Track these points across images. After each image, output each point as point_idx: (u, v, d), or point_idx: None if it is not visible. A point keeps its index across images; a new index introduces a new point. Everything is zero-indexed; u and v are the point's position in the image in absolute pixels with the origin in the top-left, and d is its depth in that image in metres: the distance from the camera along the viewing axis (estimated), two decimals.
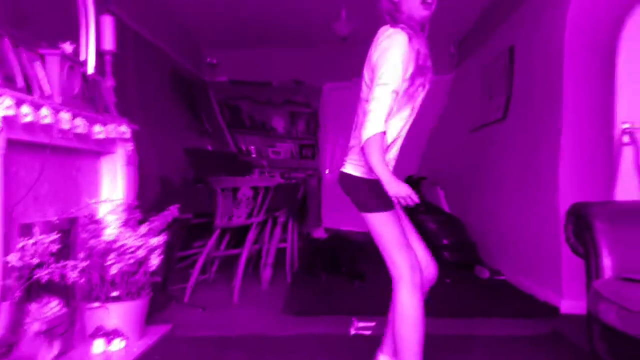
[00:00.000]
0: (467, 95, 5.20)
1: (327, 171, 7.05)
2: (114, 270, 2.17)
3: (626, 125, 2.72)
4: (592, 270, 2.12)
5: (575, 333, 2.50)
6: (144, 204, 2.54)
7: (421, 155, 6.22)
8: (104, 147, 2.50)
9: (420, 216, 4.69)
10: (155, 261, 2.32)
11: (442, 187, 5.40)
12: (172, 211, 2.47)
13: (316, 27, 5.26)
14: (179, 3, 4.83)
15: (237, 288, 3.30)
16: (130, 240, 2.25)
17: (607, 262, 2.06)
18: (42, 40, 2.16)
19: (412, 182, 5.47)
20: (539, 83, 3.52)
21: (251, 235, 3.47)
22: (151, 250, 2.32)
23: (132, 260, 2.24)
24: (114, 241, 2.24)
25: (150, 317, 2.54)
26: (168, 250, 2.58)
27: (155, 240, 2.33)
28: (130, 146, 2.63)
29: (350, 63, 5.73)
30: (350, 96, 6.25)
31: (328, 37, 4.95)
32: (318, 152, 7.11)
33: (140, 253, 2.26)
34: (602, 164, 2.85)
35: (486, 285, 3.91)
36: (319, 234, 6.09)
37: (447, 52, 5.88)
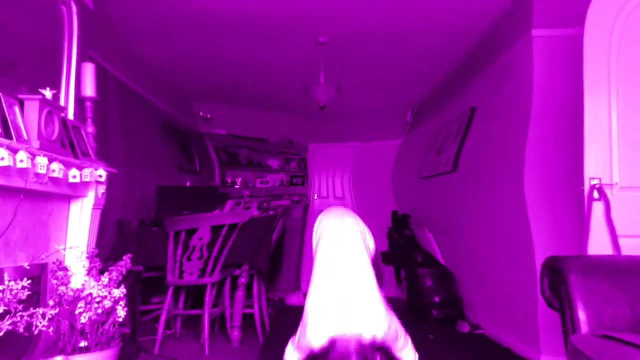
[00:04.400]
0: (414, 152, 5.96)
1: (315, 196, 7.62)
2: (83, 319, 2.08)
3: (595, 182, 2.82)
4: (567, 324, 2.13)
5: None
6: (102, 252, 2.48)
7: (394, 195, 6.99)
8: (76, 191, 2.47)
9: (419, 270, 4.59)
10: (122, 312, 2.26)
11: (430, 229, 5.25)
12: (126, 262, 2.41)
13: (299, 98, 5.71)
14: (164, 61, 4.93)
15: (206, 343, 3.13)
16: (95, 289, 2.19)
17: (582, 316, 2.07)
18: (23, 86, 2.17)
19: (398, 218, 5.55)
20: (500, 139, 3.66)
21: (208, 299, 3.10)
22: (116, 301, 2.26)
23: (100, 310, 2.17)
24: (81, 290, 2.17)
25: None
26: (130, 302, 2.50)
27: (118, 292, 2.26)
28: (103, 189, 2.60)
29: (328, 130, 7.40)
30: (329, 153, 7.53)
31: (310, 106, 5.45)
32: (307, 181, 7.84)
33: (107, 303, 2.20)
34: (574, 216, 2.92)
35: (466, 340, 3.88)
36: (295, 300, 5.07)
37: (403, 120, 7.03)
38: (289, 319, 3.57)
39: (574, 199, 2.99)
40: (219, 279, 3.16)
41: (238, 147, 7.23)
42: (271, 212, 4.35)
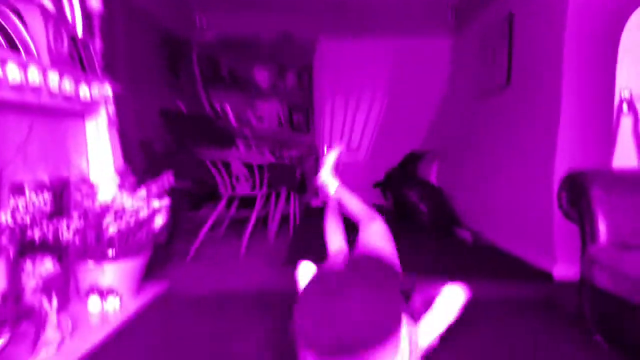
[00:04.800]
0: (468, 61, 5.11)
1: (325, 148, 6.26)
2: (111, 230, 2.16)
3: (626, 94, 2.69)
4: (586, 235, 2.13)
5: (567, 299, 2.52)
6: (132, 169, 2.52)
7: (428, 128, 5.90)
8: (89, 109, 2.45)
9: (405, 190, 5.01)
10: (159, 222, 2.34)
11: (440, 160, 5.43)
12: (168, 178, 2.45)
13: None
14: None
15: (245, 240, 3.54)
16: (129, 202, 2.23)
17: (602, 228, 2.07)
18: None
19: (414, 157, 5.51)
20: (539, 50, 3.47)
21: (258, 204, 3.73)
22: (154, 212, 2.32)
23: (132, 221, 2.23)
24: (111, 203, 2.22)
25: (151, 274, 2.57)
26: (173, 213, 2.57)
27: (158, 203, 2.32)
28: (112, 107, 2.59)
29: (347, 19, 5.52)
30: (349, 51, 5.75)
31: None
32: (313, 120, 6.03)
33: (143, 214, 2.26)
34: (601, 131, 2.83)
35: (471, 249, 3.93)
36: (317, 203, 6.06)
37: (444, 16, 5.67)
38: (312, 215, 4.95)
39: (603, 114, 2.88)
40: (265, 192, 3.81)
41: (221, 53, 5.92)
42: (287, 161, 4.74)
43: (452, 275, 3.01)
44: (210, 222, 3.53)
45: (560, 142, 3.05)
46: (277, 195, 4.13)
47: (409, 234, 4.31)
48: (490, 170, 4.18)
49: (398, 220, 4.93)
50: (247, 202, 3.90)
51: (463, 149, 4.98)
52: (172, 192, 2.51)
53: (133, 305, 2.24)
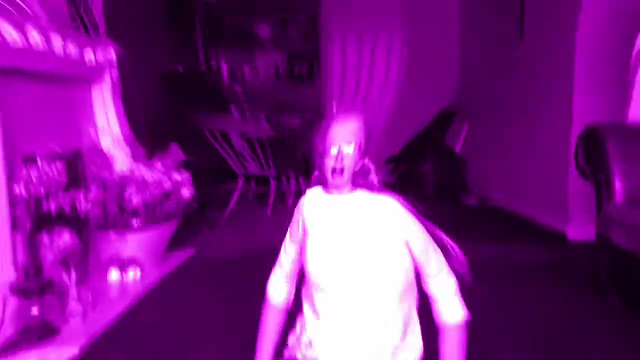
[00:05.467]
0: (480, 13, 4.77)
1: (334, 103, 5.28)
2: (134, 200, 2.14)
3: None
4: (602, 194, 2.12)
5: (583, 259, 2.53)
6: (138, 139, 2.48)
7: (454, 85, 5.22)
8: (94, 75, 2.38)
9: (420, 163, 4.70)
10: (186, 193, 2.33)
11: (471, 120, 4.81)
12: (176, 150, 2.42)
13: None
14: None
15: (269, 207, 3.83)
16: (149, 174, 2.21)
17: (618, 185, 2.05)
18: None
19: (445, 116, 4.92)
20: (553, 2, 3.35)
21: (272, 185, 3.99)
22: (179, 183, 2.31)
23: (157, 192, 2.22)
24: (130, 174, 2.19)
25: (181, 241, 2.60)
26: (199, 185, 2.55)
27: (178, 176, 2.30)
28: (115, 74, 2.51)
29: None
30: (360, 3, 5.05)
31: None
32: (319, 70, 5.05)
33: (167, 186, 2.25)
34: (618, 86, 2.76)
35: (478, 213, 3.93)
36: None
37: None
38: None
39: (619, 68, 2.81)
40: (276, 174, 3.99)
41: (223, 10, 5.54)
42: (286, 134, 4.49)
43: (458, 238, 3.02)
44: (236, 196, 3.83)
45: (577, 98, 2.99)
46: (287, 178, 4.17)
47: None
48: (506, 130, 4.07)
49: (401, 190, 4.74)
50: (266, 180, 4.07)
51: (484, 109, 4.65)
52: (193, 167, 2.49)
53: (155, 274, 2.25)
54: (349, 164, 1.05)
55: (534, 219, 3.45)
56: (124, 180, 2.16)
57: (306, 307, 1.14)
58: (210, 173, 3.93)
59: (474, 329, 1.60)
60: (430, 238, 1.14)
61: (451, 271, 1.14)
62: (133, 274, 2.15)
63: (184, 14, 5.33)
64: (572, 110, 3.01)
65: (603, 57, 2.96)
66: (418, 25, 5.15)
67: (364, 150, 1.10)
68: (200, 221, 3.30)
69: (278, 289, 1.21)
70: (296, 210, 1.17)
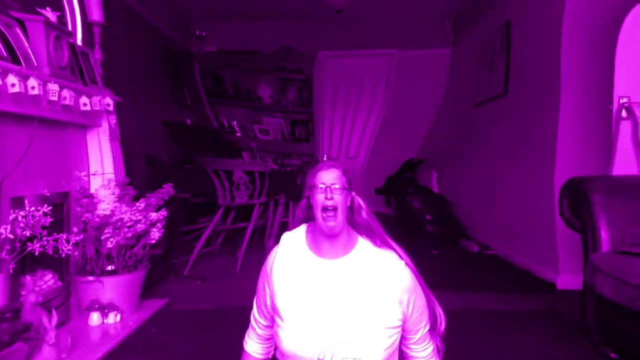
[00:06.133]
0: (467, 70, 5.13)
1: (325, 158, 6.31)
2: (110, 244, 2.15)
3: (624, 100, 2.70)
4: (589, 243, 2.13)
5: (571, 309, 2.51)
6: (134, 182, 2.50)
7: (424, 137, 6.00)
8: (90, 120, 2.45)
9: (408, 197, 5.01)
10: (156, 235, 2.33)
11: (438, 169, 5.46)
12: (168, 189, 2.44)
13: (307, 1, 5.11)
14: None
15: (241, 256, 3.47)
16: (127, 215, 2.23)
17: (604, 235, 2.06)
18: (14, 1, 2.05)
19: (411, 165, 5.55)
20: (537, 58, 3.49)
21: (255, 213, 3.69)
22: (152, 224, 2.31)
23: (130, 234, 2.22)
24: (110, 215, 2.21)
25: (148, 290, 2.55)
26: (170, 225, 2.57)
27: (155, 215, 2.32)
28: (113, 119, 2.58)
29: (346, 35, 5.61)
30: (349, 66, 5.88)
31: (321, 11, 4.89)
32: (313, 132, 6.22)
33: (140, 227, 2.25)
34: (600, 138, 2.83)
35: (476, 259, 3.93)
36: None
37: (442, 27, 5.78)
38: None
39: (600, 119, 2.89)
40: (265, 200, 3.80)
41: (224, 66, 6.05)
42: (288, 168, 4.97)
43: (458, 286, 3.04)
44: (205, 236, 3.48)
45: (560, 150, 3.06)
46: (276, 203, 4.06)
47: (415, 242, 4.19)
48: (492, 180, 4.18)
49: (402, 227, 4.91)
50: (244, 214, 3.84)
51: (461, 158, 4.97)
52: (171, 203, 2.49)
53: (133, 320, 2.22)
54: (339, 200, 1.09)
55: (528, 268, 3.43)
56: (103, 222, 2.17)
57: None
58: (190, 208, 3.75)
59: None
60: (425, 302, 1.15)
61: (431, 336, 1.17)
62: (113, 317, 2.12)
63: (181, 65, 5.53)
64: (555, 163, 3.07)
65: (585, 115, 3.05)
66: (407, 79, 5.83)
67: (349, 187, 1.15)
68: (166, 268, 3.19)
69: (254, 348, 1.23)
70: (262, 275, 1.18)
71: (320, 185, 1.11)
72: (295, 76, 6.04)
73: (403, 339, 1.14)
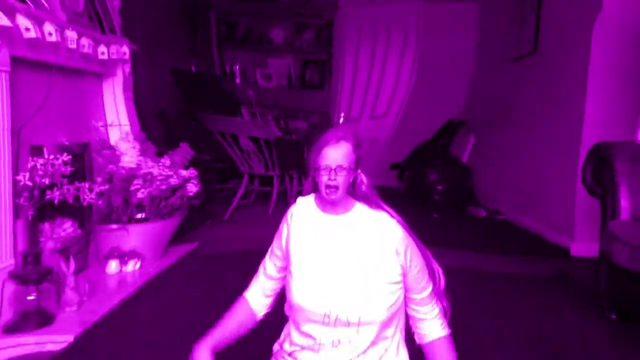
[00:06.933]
0: (498, 26, 4.74)
1: (342, 116, 5.42)
2: (141, 194, 2.18)
3: None
4: (608, 211, 2.09)
5: (584, 275, 2.49)
6: (151, 139, 2.52)
7: (465, 97, 5.27)
8: (107, 69, 2.43)
9: (426, 169, 4.63)
10: (193, 189, 2.37)
11: (477, 134, 4.86)
12: (186, 149, 2.45)
13: None
14: None
15: (272, 205, 3.86)
16: (156, 169, 2.24)
17: (624, 203, 2.02)
18: None
19: (451, 127, 4.97)
20: (568, 14, 3.32)
21: (275, 183, 4.00)
22: (186, 180, 2.35)
23: (164, 187, 2.26)
24: (137, 169, 2.23)
25: (180, 236, 2.63)
26: (205, 183, 2.60)
27: (186, 172, 2.34)
28: (128, 68, 2.56)
29: None
30: (372, 13, 5.19)
31: None
32: (330, 76, 5.16)
33: (173, 181, 2.29)
34: (631, 101, 2.73)
35: (483, 223, 3.88)
36: None
37: None
38: None
39: (632, 85, 2.77)
40: (280, 172, 4.01)
41: (239, 13, 5.60)
42: (293, 137, 4.50)
43: (464, 247, 3.03)
44: (240, 192, 3.87)
45: (588, 114, 2.96)
46: (290, 177, 4.17)
47: (418, 210, 4.05)
48: (516, 145, 4.04)
49: (409, 199, 4.59)
50: (267, 180, 4.11)
51: (493, 121, 4.63)
52: (201, 165, 2.53)
53: (155, 267, 2.27)
54: (342, 180, 1.06)
55: (541, 234, 3.41)
56: (131, 174, 2.19)
57: (291, 323, 1.12)
58: (217, 171, 4.07)
59: (472, 337, 1.60)
60: (422, 260, 1.12)
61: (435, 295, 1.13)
62: (132, 265, 2.18)
63: (198, 14, 5.37)
64: (582, 128, 2.98)
65: (617, 75, 2.92)
66: (434, 35, 5.26)
67: (356, 165, 1.10)
68: (203, 216, 3.35)
69: (255, 300, 1.19)
70: (283, 221, 1.17)
71: (324, 167, 1.06)
72: (313, 20, 5.35)
73: (408, 300, 1.12)
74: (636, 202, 2.01)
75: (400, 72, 5.32)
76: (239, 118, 4.45)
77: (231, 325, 1.16)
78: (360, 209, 1.12)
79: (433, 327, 1.13)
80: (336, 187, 1.06)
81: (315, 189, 1.12)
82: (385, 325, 1.07)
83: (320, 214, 1.12)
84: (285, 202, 3.98)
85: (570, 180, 3.02)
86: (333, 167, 1.05)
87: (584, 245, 2.92)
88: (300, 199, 1.18)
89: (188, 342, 1.46)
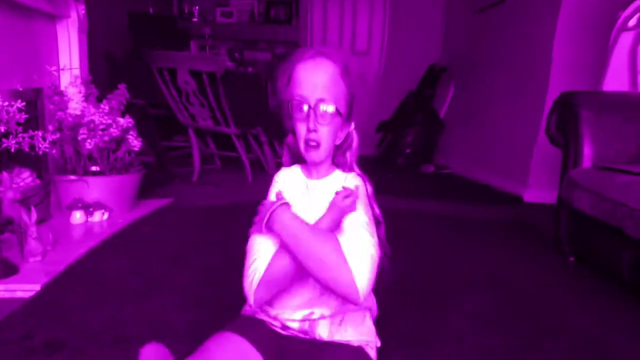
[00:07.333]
0: None
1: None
2: (88, 145, 2.08)
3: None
4: (570, 159, 2.15)
5: (540, 219, 2.60)
6: (96, 82, 2.36)
7: (441, 43, 5.04)
8: (58, 9, 2.27)
9: (407, 129, 4.48)
10: (135, 142, 2.23)
11: (457, 81, 4.67)
12: (123, 91, 2.29)
13: None
14: None
15: (248, 170, 3.17)
16: (97, 117, 2.13)
17: (587, 151, 2.08)
18: None
19: (434, 73, 4.73)
20: None
21: (239, 147, 3.12)
22: (125, 131, 2.22)
23: (107, 138, 2.15)
24: (81, 116, 2.13)
25: (148, 192, 2.53)
26: (147, 135, 2.45)
27: (123, 121, 2.20)
28: (82, 9, 2.40)
29: None
30: None
31: None
32: (298, 12, 4.55)
33: (114, 132, 2.16)
34: (598, 53, 2.76)
35: (431, 178, 4.00)
36: None
37: None
38: None
39: (601, 33, 2.79)
40: (237, 131, 3.08)
41: None
42: (249, 69, 3.74)
43: (412, 196, 3.09)
44: (195, 152, 3.15)
45: (555, 64, 2.99)
46: (257, 141, 3.25)
47: (381, 172, 4.02)
48: (483, 98, 4.06)
49: (377, 163, 4.49)
50: (227, 143, 3.28)
51: (464, 74, 4.55)
52: (135, 111, 2.38)
53: (124, 219, 2.21)
54: (325, 132, 0.80)
55: (492, 184, 3.53)
56: (77, 122, 2.09)
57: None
58: (154, 120, 3.34)
59: (431, 279, 1.65)
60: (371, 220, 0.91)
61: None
62: (100, 216, 2.12)
63: None
64: (549, 78, 3.02)
65: (585, 25, 2.94)
66: None
67: (349, 108, 0.82)
68: (165, 177, 3.10)
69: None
70: (270, 187, 0.99)
71: (297, 100, 0.76)
72: None
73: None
74: (599, 150, 2.07)
75: (373, 6, 4.92)
76: (185, 52, 3.81)
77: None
78: (337, 174, 0.94)
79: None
80: (317, 144, 0.81)
81: (295, 154, 0.89)
82: None
83: (304, 179, 0.93)
84: (263, 176, 3.28)
85: (531, 131, 3.09)
86: (312, 100, 0.76)
87: (536, 193, 3.05)
88: (283, 168, 0.98)
89: (159, 292, 1.46)
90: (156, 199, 2.60)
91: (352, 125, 0.86)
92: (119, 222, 2.16)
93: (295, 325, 0.93)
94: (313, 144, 0.81)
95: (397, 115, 4.69)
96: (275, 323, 0.95)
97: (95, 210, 2.12)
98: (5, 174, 1.78)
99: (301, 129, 0.80)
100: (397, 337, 1.21)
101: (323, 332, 0.93)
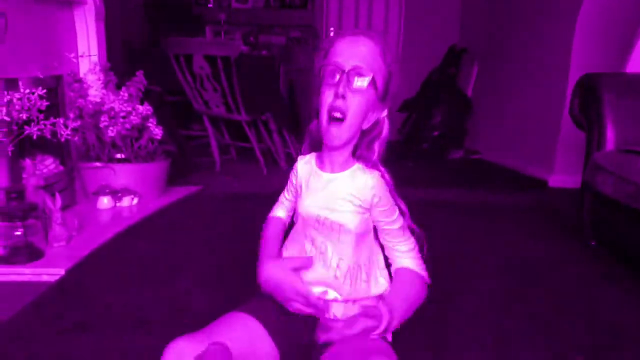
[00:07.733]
0: None
1: (331, 31, 4.77)
2: (111, 132, 2.10)
3: None
4: (593, 142, 2.11)
5: (564, 205, 2.56)
6: (114, 68, 2.37)
7: (459, 20, 4.87)
8: None
9: (433, 110, 4.21)
10: (156, 130, 2.23)
11: (480, 61, 4.46)
12: (140, 78, 2.29)
13: None
14: None
15: (262, 163, 3.14)
16: (117, 104, 2.14)
17: (610, 134, 2.04)
18: None
19: (454, 54, 4.54)
20: None
21: (251, 137, 3.09)
22: (144, 118, 2.22)
23: (128, 125, 2.16)
24: (101, 103, 2.14)
25: (172, 181, 2.53)
26: (166, 123, 2.43)
27: (142, 108, 2.20)
28: None
29: None
30: None
31: None
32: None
33: (134, 119, 2.17)
34: (620, 33, 2.69)
35: (458, 165, 3.91)
36: None
37: None
38: None
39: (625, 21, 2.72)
40: (248, 118, 3.05)
41: None
42: (263, 52, 3.71)
43: (440, 185, 3.06)
44: (213, 141, 3.17)
45: (576, 46, 2.92)
46: (267, 128, 3.17)
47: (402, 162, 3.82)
48: (507, 80, 3.94)
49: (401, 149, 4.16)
50: (241, 133, 3.24)
51: (486, 56, 4.35)
52: (152, 98, 2.39)
53: (155, 204, 2.23)
54: (356, 104, 0.72)
55: (519, 169, 3.47)
56: (96, 109, 2.11)
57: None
58: (171, 108, 3.27)
59: (451, 260, 1.65)
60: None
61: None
62: (129, 201, 2.15)
63: None
64: (570, 59, 2.96)
65: (608, 6, 2.86)
66: None
67: (385, 90, 0.77)
68: (190, 167, 3.06)
69: (278, 213, 1.07)
70: (291, 173, 0.99)
71: (331, 67, 0.70)
72: None
73: (381, 233, 0.96)
74: (621, 133, 2.03)
75: None
76: (200, 38, 3.82)
77: (275, 240, 1.01)
78: (356, 171, 0.85)
79: (403, 258, 0.97)
80: (342, 114, 0.72)
81: (316, 142, 0.83)
82: (359, 241, 0.91)
83: (316, 170, 0.88)
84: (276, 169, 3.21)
85: (555, 114, 3.03)
86: (346, 67, 0.70)
87: (561, 178, 3.00)
88: (300, 157, 0.94)
89: (184, 277, 1.48)
90: (186, 186, 2.60)
91: (385, 112, 0.80)
92: (148, 206, 2.18)
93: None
94: (337, 114, 0.73)
95: (420, 94, 4.50)
96: None
97: (124, 195, 2.14)
98: (28, 161, 1.81)
99: (328, 96, 0.73)
100: (411, 319, 1.21)
101: (337, 311, 0.95)
